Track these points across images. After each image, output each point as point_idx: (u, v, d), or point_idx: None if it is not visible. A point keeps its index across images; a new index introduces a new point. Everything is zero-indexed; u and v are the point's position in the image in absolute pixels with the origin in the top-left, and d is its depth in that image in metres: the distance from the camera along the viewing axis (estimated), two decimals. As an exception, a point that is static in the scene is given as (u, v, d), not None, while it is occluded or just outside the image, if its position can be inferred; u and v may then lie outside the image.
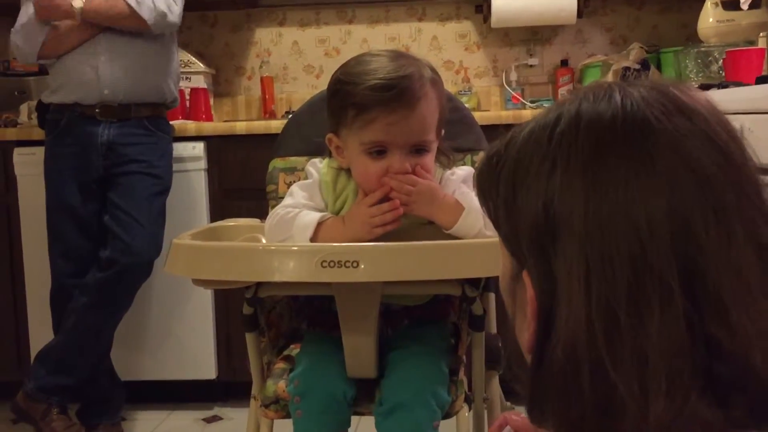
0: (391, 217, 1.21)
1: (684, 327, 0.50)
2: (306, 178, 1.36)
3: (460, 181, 1.29)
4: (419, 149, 1.23)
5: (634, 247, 0.51)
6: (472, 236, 1.20)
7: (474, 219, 1.20)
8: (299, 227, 1.22)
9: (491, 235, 1.16)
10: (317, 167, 1.34)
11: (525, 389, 0.60)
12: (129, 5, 2.20)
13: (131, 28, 2.25)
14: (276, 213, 1.27)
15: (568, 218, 0.54)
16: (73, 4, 2.19)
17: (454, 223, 1.21)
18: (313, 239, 1.21)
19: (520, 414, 0.90)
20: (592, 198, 0.53)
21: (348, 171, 1.31)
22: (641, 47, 2.79)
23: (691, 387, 0.50)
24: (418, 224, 1.28)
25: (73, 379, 2.28)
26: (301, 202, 1.29)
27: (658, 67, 2.84)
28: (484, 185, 0.64)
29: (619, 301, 0.51)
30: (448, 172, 1.32)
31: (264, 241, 1.26)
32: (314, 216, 1.23)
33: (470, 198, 1.22)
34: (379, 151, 1.22)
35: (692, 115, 0.55)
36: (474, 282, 1.21)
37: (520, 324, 0.63)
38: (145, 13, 2.21)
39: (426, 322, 1.35)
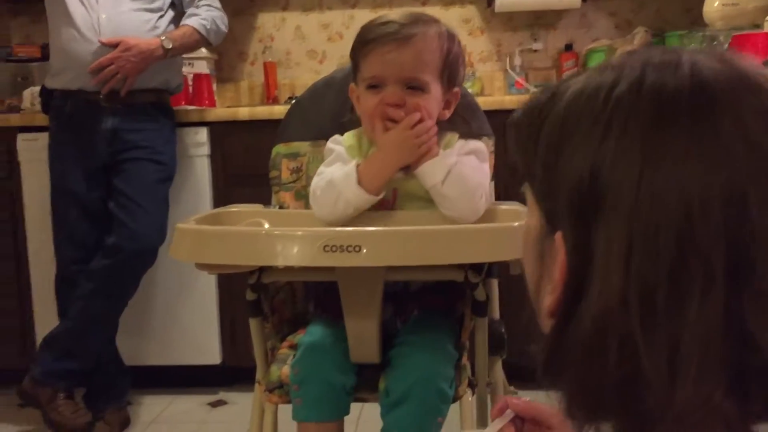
0: (431, 135, 1.25)
1: (722, 315, 0.49)
2: (325, 159, 1.37)
3: (465, 150, 1.31)
4: (413, 86, 1.26)
5: (683, 226, 0.49)
6: (430, 185, 1.25)
7: (438, 169, 1.24)
8: (342, 181, 1.25)
9: (447, 194, 1.24)
10: (338, 140, 1.37)
11: (540, 351, 0.58)
12: (200, 34, 2.37)
13: (197, 47, 2.48)
14: (315, 186, 1.30)
15: (617, 188, 0.51)
16: (164, 45, 2.28)
17: (418, 166, 1.26)
18: (360, 182, 1.24)
19: (521, 398, 0.90)
20: (646, 169, 0.50)
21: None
22: (646, 31, 2.78)
23: (720, 377, 0.49)
24: (421, 208, 1.28)
25: (80, 364, 2.29)
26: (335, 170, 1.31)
27: (663, 52, 2.82)
28: (521, 135, 0.60)
29: (659, 281, 0.49)
30: (462, 141, 1.33)
31: (267, 225, 1.26)
32: (350, 165, 1.27)
33: (455, 160, 1.26)
34: (375, 85, 1.27)
35: (759, 93, 0.52)
36: (477, 267, 1.21)
37: (539, 283, 0.60)
38: (213, 39, 2.42)
39: (435, 313, 1.35)
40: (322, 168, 1.34)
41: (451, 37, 1.30)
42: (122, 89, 2.24)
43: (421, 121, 1.25)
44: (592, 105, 0.54)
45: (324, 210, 1.28)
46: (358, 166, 1.26)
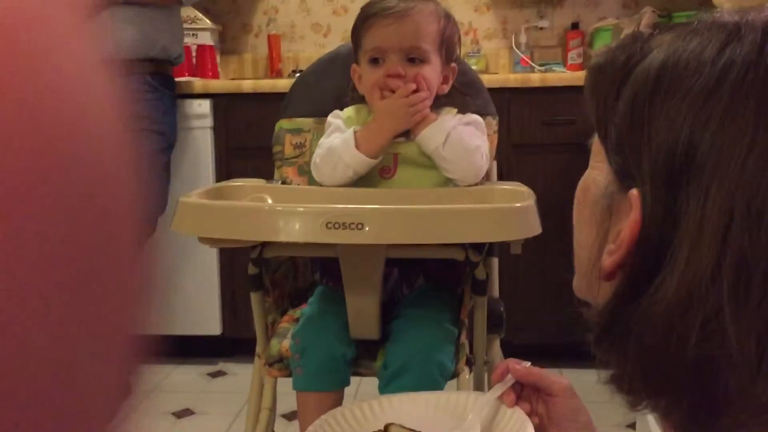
0: (426, 102, 1.29)
1: None
2: (316, 133, 1.42)
3: (464, 122, 1.34)
4: (413, 58, 1.30)
5: None
6: (431, 149, 1.29)
7: (436, 134, 1.28)
8: (340, 146, 1.29)
9: (447, 156, 1.28)
10: (337, 114, 1.40)
11: (596, 317, 0.56)
12: None
13: (164, 3, 2.32)
14: (315, 155, 1.34)
15: (721, 155, 0.47)
16: None
17: (418, 133, 1.30)
18: (357, 146, 1.28)
19: (521, 362, 0.90)
20: (759, 141, 0.46)
21: (368, 105, 1.37)
22: (653, 11, 2.75)
23: None
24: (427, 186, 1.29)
25: None
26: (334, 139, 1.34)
27: (670, 32, 2.80)
28: (601, 82, 0.56)
29: (758, 259, 0.45)
30: (459, 114, 1.37)
31: (270, 201, 1.27)
32: (348, 132, 1.31)
33: (453, 124, 1.30)
34: (377, 58, 1.30)
35: None
36: (478, 247, 1.22)
37: (596, 242, 0.56)
38: None
39: (436, 289, 1.36)
40: (322, 140, 1.37)
41: (447, 15, 1.35)
42: None
43: (416, 91, 1.29)
44: (697, 62, 0.50)
45: (325, 175, 1.32)
46: (355, 132, 1.30)
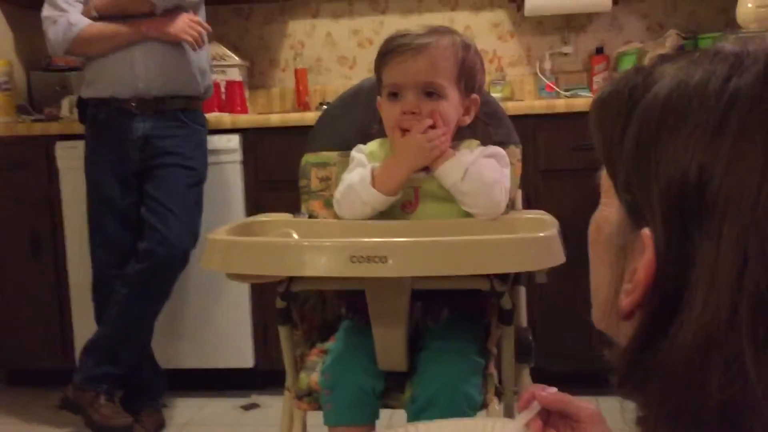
0: (443, 138, 1.29)
1: None
2: (341, 167, 1.44)
3: (486, 154, 1.35)
4: (430, 92, 1.31)
5: None
6: (449, 184, 1.30)
7: (455, 169, 1.29)
8: (358, 184, 1.32)
9: (466, 191, 1.28)
10: (361, 149, 1.43)
11: (619, 359, 0.54)
12: None
13: (136, 10, 2.28)
14: (337, 191, 1.37)
15: (732, 194, 0.46)
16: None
17: (437, 168, 1.31)
18: (373, 184, 1.30)
19: (546, 388, 0.88)
20: None
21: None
22: (678, 34, 2.75)
23: None
24: (449, 216, 1.30)
25: (120, 368, 2.34)
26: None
27: (696, 54, 2.79)
28: (605, 116, 0.55)
29: None
30: (482, 147, 1.38)
31: (296, 236, 1.29)
32: (366, 169, 1.34)
33: (472, 159, 1.31)
34: (394, 93, 1.33)
35: None
36: (503, 276, 1.22)
37: (612, 282, 0.55)
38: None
39: (463, 317, 1.36)
40: (344, 175, 1.39)
41: (466, 46, 1.36)
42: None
43: (433, 127, 1.30)
44: (704, 95, 0.49)
45: (345, 212, 1.36)
46: (373, 169, 1.32)
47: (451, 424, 0.96)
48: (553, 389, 0.88)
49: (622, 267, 0.54)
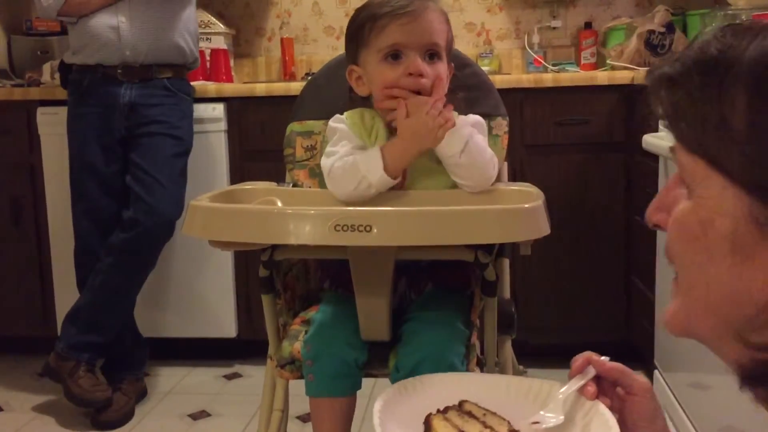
0: (447, 114, 1.26)
1: None
2: (328, 138, 1.39)
3: (469, 123, 1.34)
4: (432, 54, 1.30)
5: None
6: (448, 156, 1.28)
7: (456, 141, 1.27)
8: (366, 165, 1.27)
9: (463, 163, 1.27)
10: (339, 119, 1.38)
11: (743, 357, 0.50)
12: None
13: None
14: (333, 167, 1.31)
15: None
16: None
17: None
18: (386, 167, 1.26)
19: (602, 358, 0.85)
20: None
21: (370, 107, 1.36)
22: (666, 10, 2.74)
23: None
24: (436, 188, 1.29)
25: (102, 337, 2.34)
26: (348, 150, 1.32)
27: (684, 31, 2.78)
28: (684, 97, 0.49)
29: None
30: (462, 117, 1.36)
31: (280, 204, 1.28)
32: (373, 149, 1.29)
33: (470, 130, 1.30)
34: (395, 54, 1.29)
35: None
36: (487, 248, 1.22)
37: (731, 291, 0.50)
38: None
39: (446, 290, 1.36)
40: (330, 148, 1.35)
41: (444, 12, 1.37)
42: None
43: (436, 103, 1.27)
44: None
45: (343, 190, 1.30)
46: (383, 152, 1.28)
47: (497, 379, 0.94)
48: (606, 358, 0.85)
49: (746, 268, 0.48)
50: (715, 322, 0.52)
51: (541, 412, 0.85)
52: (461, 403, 0.87)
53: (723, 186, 0.49)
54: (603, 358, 0.86)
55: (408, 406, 0.87)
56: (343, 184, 1.30)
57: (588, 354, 0.85)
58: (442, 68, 1.32)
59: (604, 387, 0.84)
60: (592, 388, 0.83)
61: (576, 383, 0.84)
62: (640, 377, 0.84)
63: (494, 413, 0.85)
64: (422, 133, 1.26)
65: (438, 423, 0.82)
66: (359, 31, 1.33)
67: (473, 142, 1.28)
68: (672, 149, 0.53)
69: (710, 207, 0.50)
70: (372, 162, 1.27)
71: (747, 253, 0.48)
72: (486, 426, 0.82)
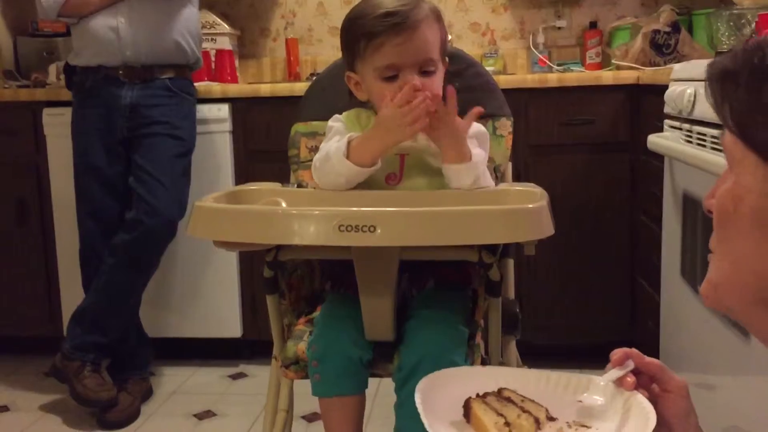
0: (422, 110, 1.24)
1: None
2: (326, 135, 1.41)
3: (470, 134, 1.33)
4: (427, 70, 1.30)
5: None
6: (454, 185, 1.29)
7: (467, 175, 1.28)
8: (333, 156, 1.29)
9: (465, 188, 1.27)
10: (338, 118, 1.40)
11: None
12: None
13: None
14: (316, 159, 1.35)
15: None
16: None
17: (452, 162, 1.28)
18: (348, 155, 1.28)
19: (642, 355, 0.86)
20: None
21: (368, 108, 1.37)
22: (672, 9, 2.73)
23: None
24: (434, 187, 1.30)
25: (108, 337, 2.34)
26: (334, 143, 1.34)
27: (690, 30, 2.77)
28: (733, 84, 0.54)
29: None
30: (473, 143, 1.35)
31: (284, 204, 1.28)
32: (344, 139, 1.31)
33: (476, 154, 1.29)
34: (392, 74, 1.30)
35: None
36: (491, 248, 1.22)
37: (761, 257, 0.52)
38: None
39: (449, 288, 1.36)
40: (323, 144, 1.37)
41: (436, 11, 1.34)
42: None
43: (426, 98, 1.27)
44: None
45: (323, 181, 1.34)
46: (350, 140, 1.30)
47: (534, 373, 0.94)
48: (650, 359, 0.86)
49: None
50: (743, 295, 0.55)
51: (585, 394, 0.87)
52: (500, 390, 0.88)
53: (756, 165, 0.53)
54: (650, 359, 0.86)
55: (448, 390, 0.88)
56: (321, 174, 1.33)
57: (627, 348, 0.87)
58: (438, 79, 1.32)
59: (641, 381, 0.85)
60: (631, 379, 0.84)
61: (616, 374, 0.85)
62: (676, 376, 0.85)
63: (533, 400, 0.86)
64: (391, 126, 1.26)
65: (477, 406, 0.83)
66: (355, 44, 1.33)
67: (484, 179, 1.30)
68: (720, 136, 0.58)
69: (743, 185, 0.55)
70: (338, 150, 1.29)
71: None
72: (524, 411, 0.83)
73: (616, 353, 0.86)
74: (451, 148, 1.28)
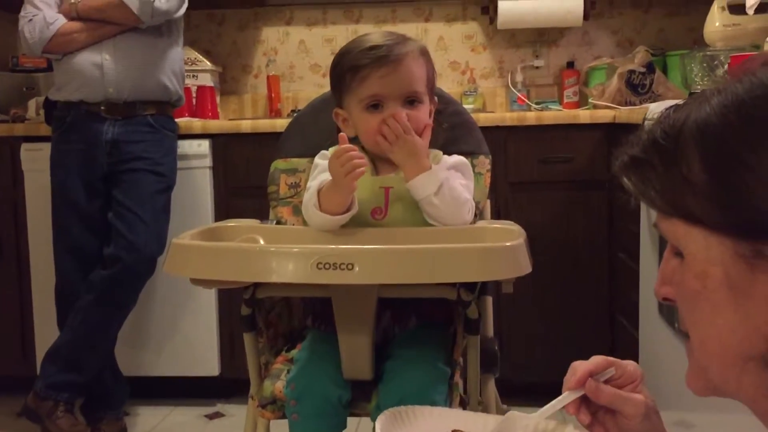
0: (352, 164, 1.25)
1: None
2: (310, 173, 1.43)
3: (449, 164, 1.37)
4: (411, 100, 1.34)
5: None
6: (421, 197, 1.30)
7: (429, 182, 1.29)
8: (309, 201, 1.33)
9: (437, 205, 1.29)
10: (324, 154, 1.42)
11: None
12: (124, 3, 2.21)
13: (120, 21, 2.25)
14: (305, 200, 1.38)
15: None
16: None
17: (413, 177, 1.30)
18: (318, 205, 1.30)
19: (604, 373, 0.81)
20: None
21: (357, 144, 1.38)
22: (647, 50, 2.79)
23: None
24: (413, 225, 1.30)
25: (83, 376, 2.30)
26: (318, 182, 1.36)
27: (664, 71, 2.83)
28: (649, 171, 0.54)
29: None
30: (445, 157, 1.40)
31: (262, 241, 1.28)
32: (315, 187, 1.33)
33: (446, 174, 1.32)
34: (375, 104, 1.33)
35: None
36: (469, 285, 1.22)
37: (736, 326, 0.51)
38: (133, 3, 2.21)
39: (432, 326, 1.36)
40: (309, 182, 1.39)
41: (424, 50, 1.39)
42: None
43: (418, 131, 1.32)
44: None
45: (311, 223, 1.36)
46: (319, 189, 1.31)
47: (492, 418, 0.93)
48: (611, 372, 0.81)
49: (749, 306, 0.51)
50: (738, 371, 0.53)
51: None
52: None
53: (704, 237, 0.52)
54: (607, 373, 0.80)
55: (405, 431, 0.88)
56: (308, 218, 1.36)
57: (587, 372, 0.80)
58: (422, 110, 1.35)
59: (602, 413, 0.81)
60: (582, 415, 0.79)
61: (565, 399, 0.81)
62: (633, 396, 0.79)
63: None
64: (335, 178, 1.28)
65: None
66: (341, 78, 1.37)
67: (448, 185, 1.30)
68: (655, 224, 0.57)
69: (700, 260, 0.53)
70: (310, 202, 1.32)
71: (745, 291, 0.51)
72: None
73: (575, 375, 0.80)
74: (410, 164, 1.31)
